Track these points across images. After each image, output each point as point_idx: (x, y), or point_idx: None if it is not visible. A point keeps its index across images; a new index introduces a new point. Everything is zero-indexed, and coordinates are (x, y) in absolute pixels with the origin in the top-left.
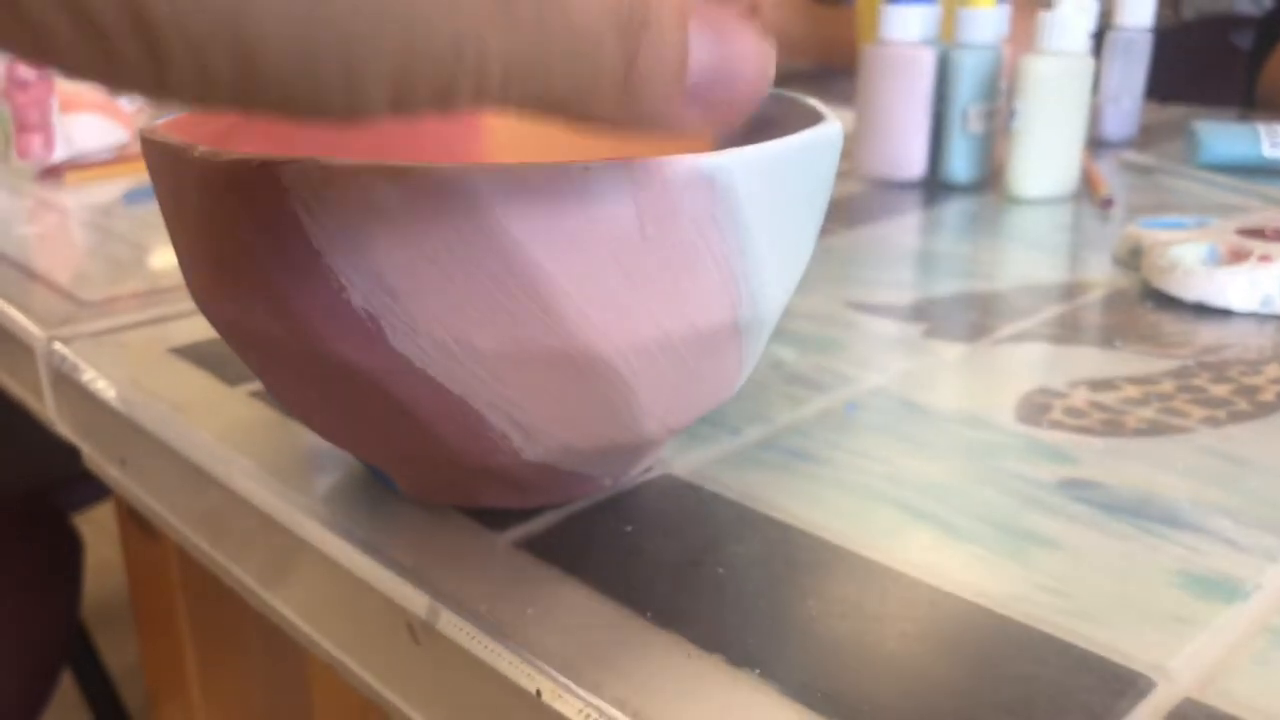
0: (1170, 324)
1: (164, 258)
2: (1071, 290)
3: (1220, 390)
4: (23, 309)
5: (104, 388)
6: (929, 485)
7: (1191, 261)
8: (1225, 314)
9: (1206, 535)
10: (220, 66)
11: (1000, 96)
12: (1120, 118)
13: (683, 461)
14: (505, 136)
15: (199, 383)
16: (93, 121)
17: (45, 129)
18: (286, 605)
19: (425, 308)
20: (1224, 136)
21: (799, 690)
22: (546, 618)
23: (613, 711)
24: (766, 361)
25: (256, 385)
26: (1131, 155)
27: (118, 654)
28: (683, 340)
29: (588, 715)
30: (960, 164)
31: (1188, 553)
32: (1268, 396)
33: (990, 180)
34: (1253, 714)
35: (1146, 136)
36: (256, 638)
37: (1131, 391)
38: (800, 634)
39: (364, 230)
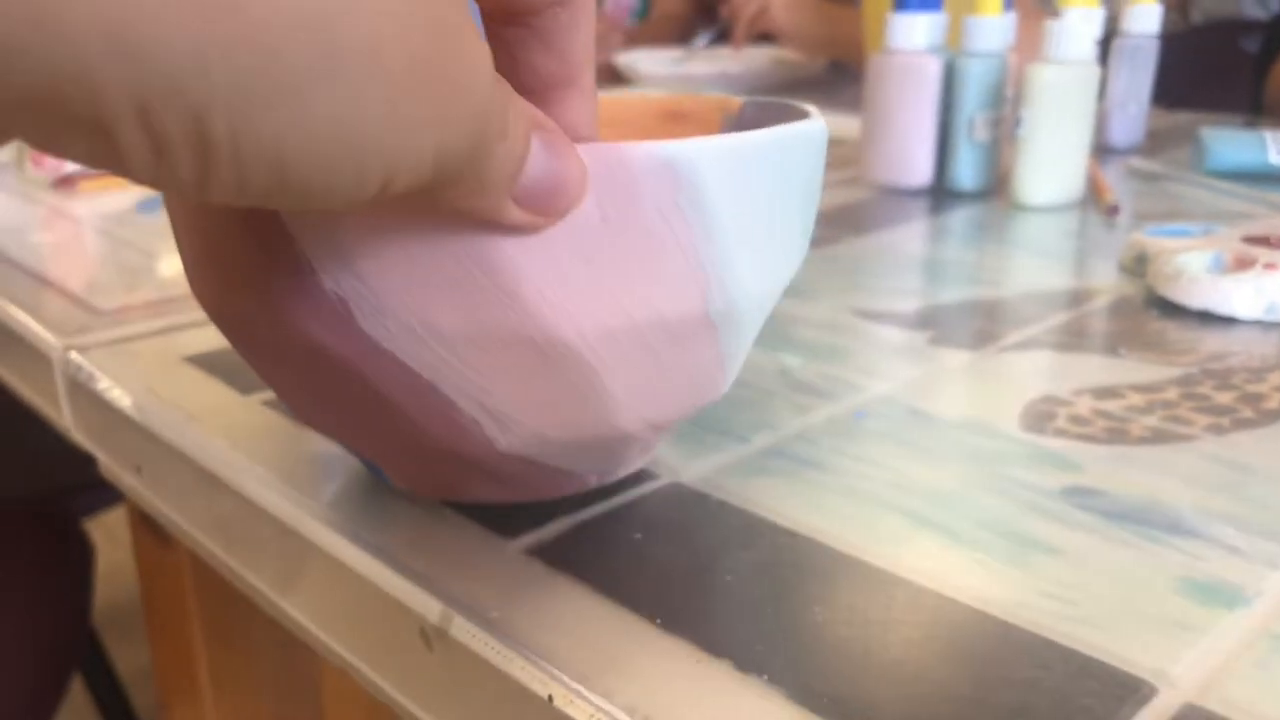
0: (1175, 332)
1: (176, 266)
2: (1077, 298)
3: (1224, 398)
4: (38, 318)
5: (119, 396)
6: (934, 492)
7: (1197, 269)
8: (1230, 322)
9: (1209, 542)
10: (258, 178)
11: (1006, 104)
12: (1127, 124)
13: (690, 469)
14: None
15: (213, 391)
16: None
17: None
18: (300, 611)
19: (391, 290)
20: (1231, 143)
21: (806, 695)
22: (557, 623)
23: (623, 716)
24: (773, 369)
25: (269, 394)
26: (1138, 162)
27: (126, 658)
28: (650, 328)
29: None
30: (966, 172)
31: (1190, 559)
32: (1272, 404)
33: (996, 188)
34: None
35: (1153, 143)
36: (268, 643)
37: (1136, 399)
38: (807, 640)
39: (332, 214)
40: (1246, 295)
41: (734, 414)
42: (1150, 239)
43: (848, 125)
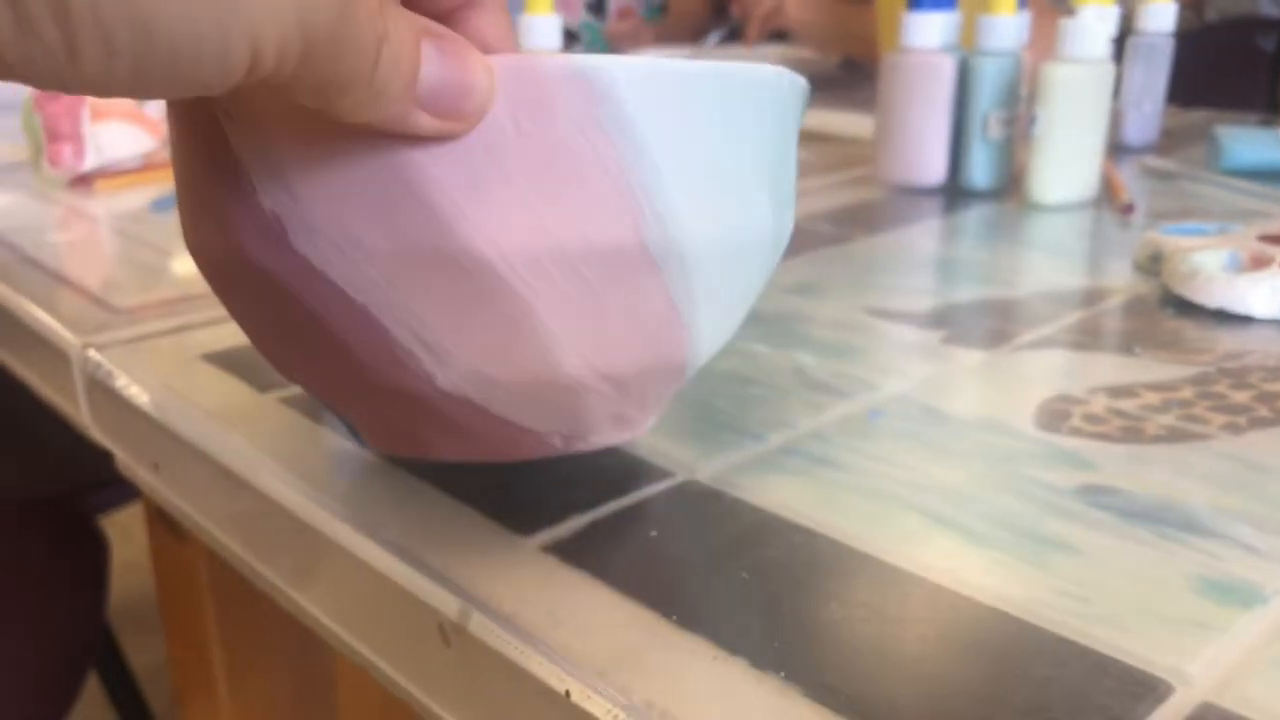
0: (1191, 331)
1: (192, 265)
2: (1091, 297)
3: (1241, 397)
4: (57, 316)
5: (137, 394)
6: (949, 491)
7: (1212, 268)
8: (1246, 321)
9: (1226, 541)
10: (122, 45)
11: (1020, 103)
12: (1142, 123)
13: (705, 467)
14: None
15: (230, 388)
16: (122, 130)
17: (76, 138)
18: (317, 607)
19: (319, 205)
20: (1247, 142)
21: (821, 692)
22: (574, 620)
23: (640, 712)
24: (787, 367)
25: (287, 391)
26: (1153, 160)
27: (141, 655)
28: (580, 256)
29: (616, 716)
30: (980, 170)
31: (1207, 558)
32: None
33: (1010, 186)
34: (1270, 718)
35: (1168, 141)
36: (283, 639)
37: (1151, 398)
38: (823, 637)
39: (268, 131)
40: (1262, 294)
41: (749, 412)
42: (1165, 237)
43: (861, 124)
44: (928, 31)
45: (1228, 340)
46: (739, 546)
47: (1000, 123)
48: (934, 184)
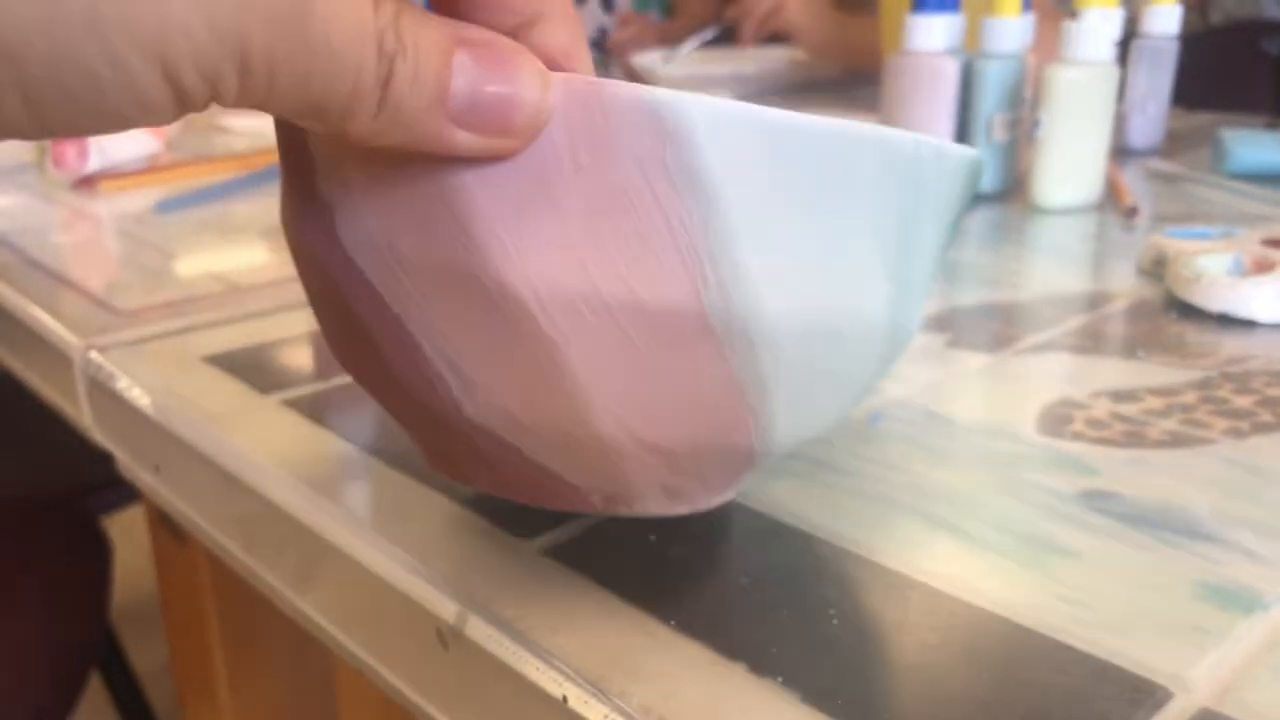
0: (1194, 335)
1: (194, 267)
2: (1095, 300)
3: (1243, 401)
4: (59, 318)
5: (138, 395)
6: (951, 496)
7: (1216, 272)
8: (1250, 325)
9: (1227, 546)
10: (9, 101)
11: (1025, 105)
12: (1146, 126)
13: None
14: None
15: (231, 391)
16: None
17: (80, 140)
18: (317, 610)
19: (364, 200)
20: (1252, 145)
21: (821, 697)
22: (573, 624)
23: (638, 717)
24: None
25: (288, 394)
26: (1158, 164)
27: (143, 657)
28: (624, 311)
29: None
30: (984, 173)
31: (1208, 564)
32: None
33: (1014, 190)
34: None
35: (1173, 145)
36: (284, 641)
37: (1154, 402)
38: (822, 642)
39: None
40: (1266, 298)
41: None
42: (1169, 241)
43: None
44: (931, 34)
45: (1231, 345)
46: (739, 551)
47: (1004, 125)
48: None
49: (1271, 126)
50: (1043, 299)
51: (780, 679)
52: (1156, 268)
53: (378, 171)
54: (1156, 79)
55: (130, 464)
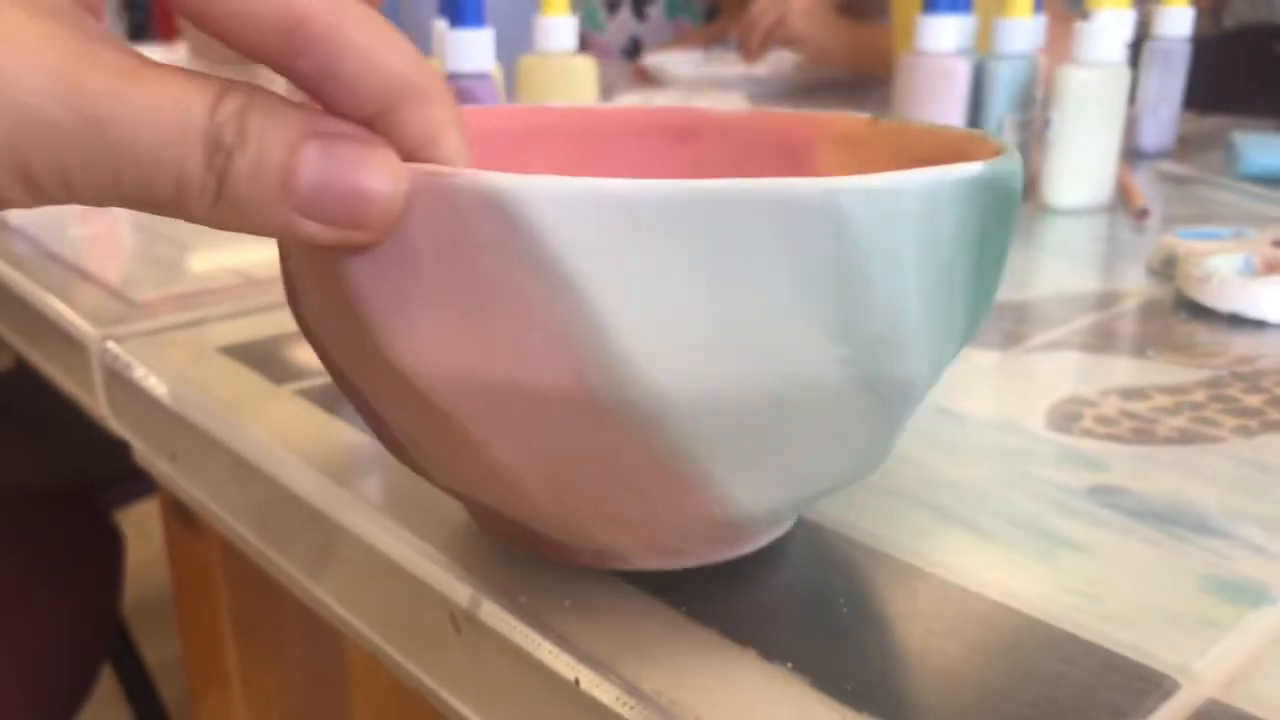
0: (1204, 334)
1: (210, 259)
2: (1105, 300)
3: (1253, 400)
4: (76, 309)
5: (155, 385)
6: (960, 489)
7: (1226, 272)
8: (1259, 325)
9: (1235, 541)
10: None
11: (1036, 107)
12: (1158, 128)
13: None
14: None
15: (247, 380)
16: None
17: None
18: (330, 596)
19: (301, 280)
20: (1264, 148)
21: (829, 684)
22: (584, 609)
23: (650, 700)
24: None
25: (302, 384)
26: (1169, 166)
27: (155, 650)
28: (509, 394)
29: (625, 704)
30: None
31: (1215, 558)
32: None
33: (1025, 190)
34: (1276, 716)
35: (1185, 147)
36: (295, 632)
37: (1163, 400)
38: (831, 630)
39: None
40: (1276, 299)
41: None
42: (1180, 241)
43: None
44: (942, 34)
45: (1241, 344)
46: None
47: (1015, 126)
48: None
49: None
50: (1053, 298)
51: (790, 665)
52: (1167, 268)
53: (306, 253)
54: (1168, 81)
55: (146, 452)
